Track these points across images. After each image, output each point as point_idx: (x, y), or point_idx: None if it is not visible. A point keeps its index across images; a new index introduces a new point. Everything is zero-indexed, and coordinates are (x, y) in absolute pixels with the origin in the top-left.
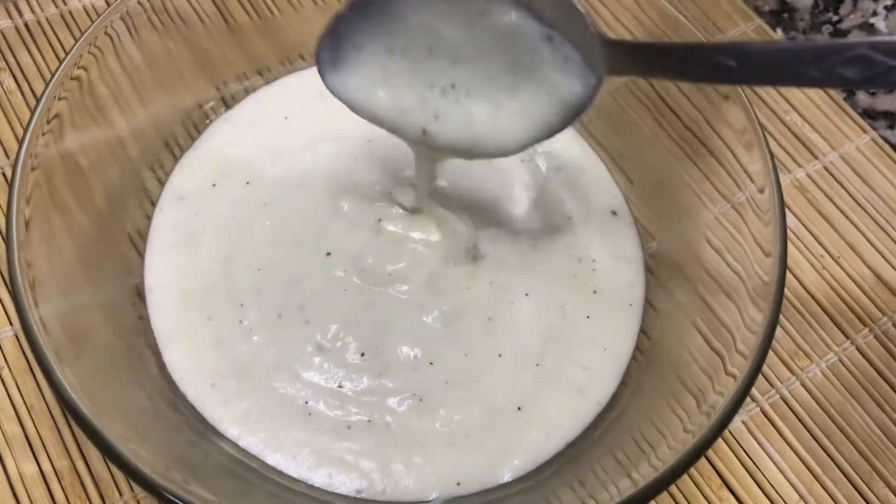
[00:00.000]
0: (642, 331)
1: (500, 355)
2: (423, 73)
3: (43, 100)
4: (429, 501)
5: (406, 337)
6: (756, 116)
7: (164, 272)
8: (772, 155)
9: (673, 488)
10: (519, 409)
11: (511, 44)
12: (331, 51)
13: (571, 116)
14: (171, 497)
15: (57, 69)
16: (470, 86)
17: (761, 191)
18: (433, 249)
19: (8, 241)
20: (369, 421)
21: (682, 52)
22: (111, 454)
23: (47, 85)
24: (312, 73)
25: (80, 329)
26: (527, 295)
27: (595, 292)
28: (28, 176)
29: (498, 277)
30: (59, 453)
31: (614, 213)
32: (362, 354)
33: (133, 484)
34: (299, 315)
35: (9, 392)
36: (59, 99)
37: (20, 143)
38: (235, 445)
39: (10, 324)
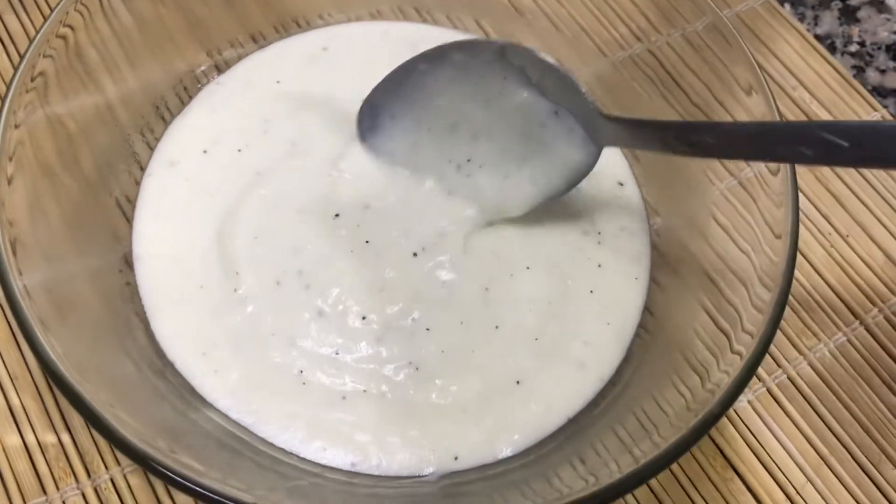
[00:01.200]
0: (646, 307)
1: (496, 327)
2: (444, 149)
3: (27, 56)
4: (425, 476)
5: (406, 298)
6: (773, 96)
7: (154, 239)
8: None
9: (677, 469)
10: (518, 382)
11: (523, 119)
12: (370, 117)
13: (574, 181)
14: (157, 466)
15: (42, 25)
16: (484, 160)
17: (774, 173)
18: (439, 213)
19: None
20: (365, 391)
21: (667, 130)
22: (95, 422)
23: (31, 41)
24: (306, 37)
25: (66, 296)
26: (528, 268)
27: (599, 266)
28: (11, 133)
29: (500, 248)
30: (44, 425)
31: (621, 185)
32: (363, 318)
33: (119, 457)
34: (299, 281)
35: None
36: (45, 56)
37: (2, 100)
38: (225, 416)
39: None
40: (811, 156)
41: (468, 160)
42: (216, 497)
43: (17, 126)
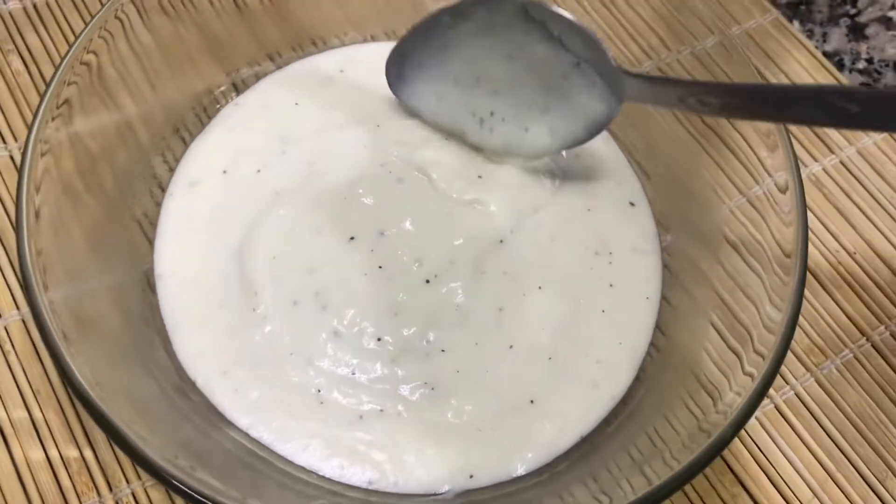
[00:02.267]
0: (657, 326)
1: (511, 347)
2: (468, 102)
3: (52, 84)
4: (441, 494)
5: (421, 320)
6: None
7: (175, 259)
8: (795, 156)
9: (686, 486)
10: (532, 402)
11: (544, 71)
12: (398, 66)
13: (595, 131)
14: (178, 484)
15: (67, 53)
16: (506, 113)
17: (783, 190)
18: (453, 234)
19: (18, 229)
20: (381, 410)
21: (688, 87)
22: (118, 438)
23: (57, 69)
24: (323, 58)
25: (89, 315)
26: (540, 288)
27: (611, 286)
28: (38, 162)
29: (512, 268)
30: (66, 440)
31: (632, 204)
32: (378, 339)
33: (140, 472)
34: (316, 301)
35: (15, 377)
36: (69, 84)
37: (30, 129)
38: (246, 435)
39: (17, 308)
40: (825, 119)
41: (491, 113)
42: None
43: (43, 154)
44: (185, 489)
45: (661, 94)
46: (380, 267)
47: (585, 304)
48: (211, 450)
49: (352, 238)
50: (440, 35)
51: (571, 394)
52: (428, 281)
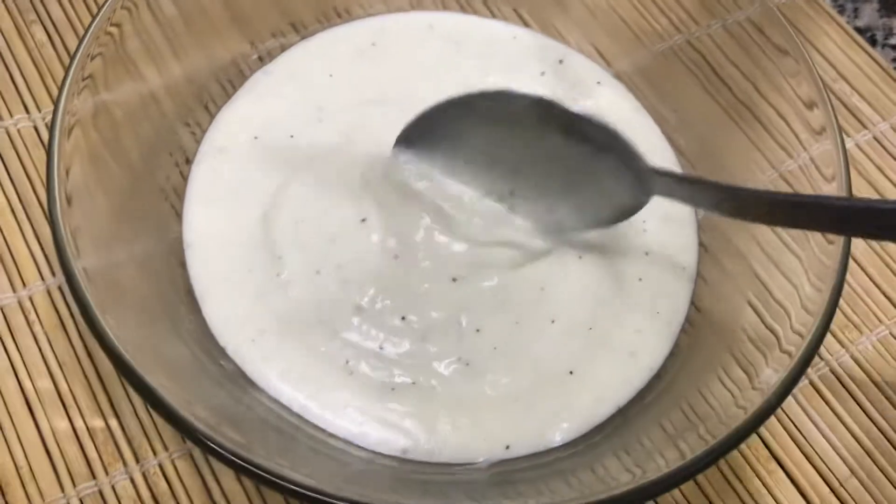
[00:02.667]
0: (692, 302)
1: (552, 321)
2: (484, 183)
3: (77, 57)
4: (476, 464)
5: (449, 307)
6: (829, 97)
7: (203, 225)
8: (844, 146)
9: (721, 462)
10: (571, 373)
11: (567, 157)
12: (405, 148)
13: (623, 217)
14: (207, 440)
15: (91, 24)
16: (527, 193)
17: (829, 180)
18: (479, 221)
19: (50, 200)
20: (413, 383)
21: (716, 192)
22: (152, 398)
23: (81, 41)
24: (352, 29)
25: (118, 284)
26: (580, 258)
27: (647, 254)
28: (66, 134)
29: (552, 243)
30: (92, 411)
31: None
32: (402, 318)
33: (167, 442)
34: (337, 273)
35: (41, 348)
36: (93, 57)
37: (56, 101)
38: (277, 402)
39: (42, 279)
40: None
41: (511, 193)
42: (279, 481)
43: (70, 128)
44: (215, 446)
45: (696, 197)
46: (395, 257)
47: (623, 273)
48: (243, 414)
49: (363, 220)
50: (447, 125)
51: (609, 364)
52: (454, 279)
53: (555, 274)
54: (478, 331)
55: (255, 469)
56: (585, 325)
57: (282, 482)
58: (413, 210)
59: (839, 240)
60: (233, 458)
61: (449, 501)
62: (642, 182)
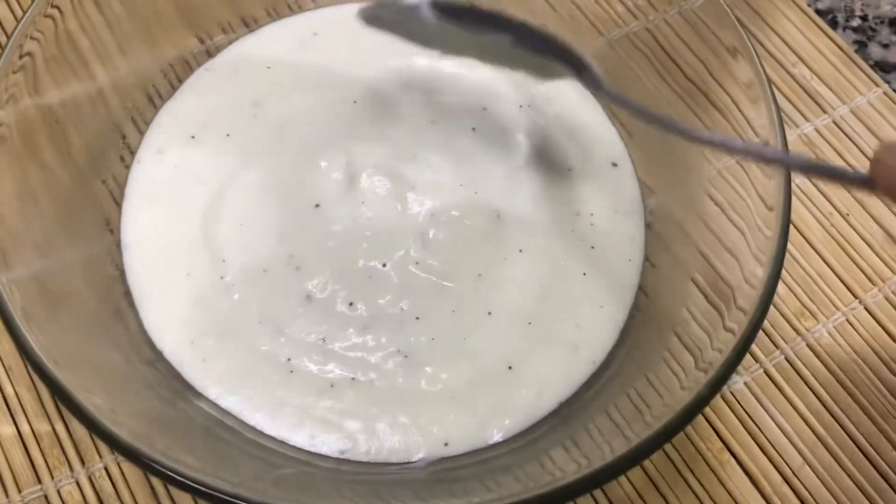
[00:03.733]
0: (640, 288)
1: (489, 313)
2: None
3: (14, 36)
4: (414, 462)
5: (395, 288)
6: (763, 70)
7: (142, 227)
8: (778, 108)
9: (672, 451)
10: (510, 368)
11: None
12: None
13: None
14: (132, 450)
15: (29, 7)
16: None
17: (766, 144)
18: (423, 201)
19: None
20: (353, 378)
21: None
22: (74, 408)
23: (18, 22)
24: (296, 21)
25: (56, 286)
26: (521, 251)
27: (593, 248)
28: None
29: (493, 232)
30: (38, 415)
31: (615, 165)
32: (350, 304)
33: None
34: (289, 265)
35: None
36: (32, 38)
37: None
38: (213, 405)
39: None
40: None
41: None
42: (195, 485)
43: (2, 108)
44: (142, 458)
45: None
46: (347, 236)
47: (566, 267)
48: (176, 419)
49: (317, 205)
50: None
51: (550, 359)
52: (402, 251)
53: (493, 265)
54: (417, 318)
55: (175, 476)
56: (524, 319)
57: (200, 487)
58: (356, 195)
59: (777, 206)
60: (155, 465)
61: (387, 502)
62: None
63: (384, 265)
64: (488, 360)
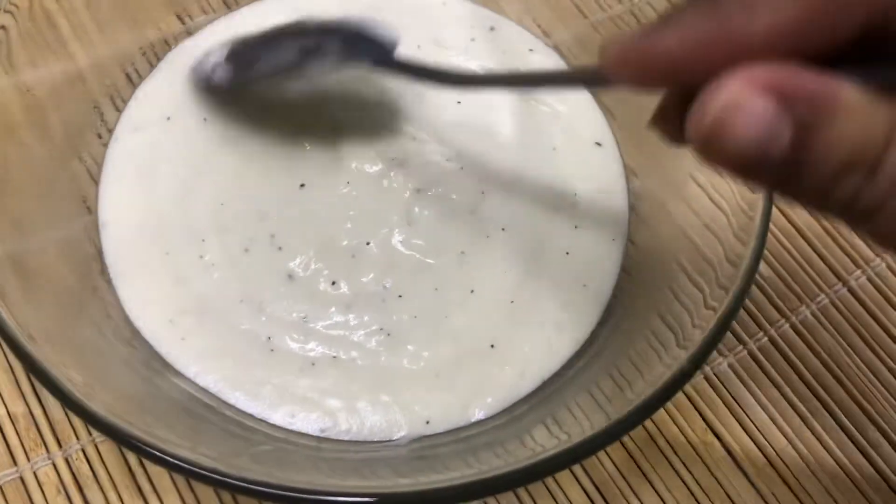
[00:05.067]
0: (623, 268)
1: (472, 291)
2: None
3: None
4: (395, 440)
5: (378, 265)
6: None
7: (120, 206)
8: None
9: (656, 432)
10: (492, 346)
11: None
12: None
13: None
14: (121, 434)
15: None
16: None
17: None
18: (408, 179)
19: None
20: (335, 357)
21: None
22: (52, 386)
23: None
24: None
25: (34, 265)
26: (503, 229)
27: (576, 227)
28: None
29: (477, 209)
30: (14, 397)
31: (599, 145)
32: (333, 283)
33: (91, 428)
34: (271, 244)
35: None
36: (5, 11)
37: None
38: (192, 383)
39: None
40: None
41: None
42: (173, 461)
43: None
44: (119, 434)
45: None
46: (332, 215)
47: (549, 246)
48: (153, 397)
49: (302, 185)
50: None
51: (533, 338)
52: (386, 229)
53: (475, 243)
54: (400, 297)
55: (152, 451)
56: (507, 298)
57: (178, 462)
58: (342, 175)
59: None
60: (132, 441)
61: (367, 479)
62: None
63: (368, 243)
64: (471, 338)
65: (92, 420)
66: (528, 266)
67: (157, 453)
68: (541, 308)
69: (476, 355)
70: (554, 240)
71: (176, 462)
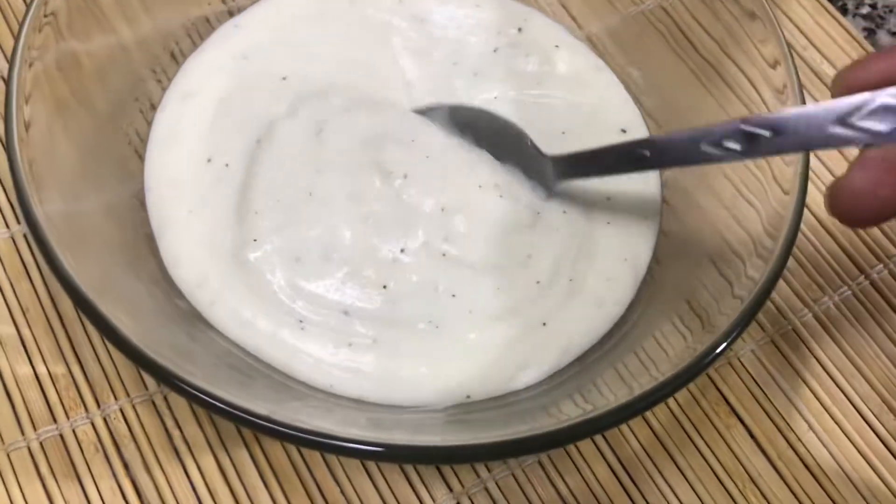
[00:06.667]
0: (654, 255)
1: (538, 283)
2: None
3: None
4: (432, 405)
5: (428, 271)
6: (791, 56)
7: (165, 171)
8: (802, 94)
9: (680, 414)
10: (544, 324)
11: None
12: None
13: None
14: (169, 375)
15: None
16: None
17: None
18: (455, 176)
19: (8, 139)
20: (374, 341)
21: (607, 154)
22: (115, 337)
23: None
24: None
25: (80, 228)
26: (564, 213)
27: (608, 199)
28: (26, 73)
29: (518, 194)
30: (55, 357)
31: (623, 131)
32: (384, 286)
33: (128, 388)
34: (307, 224)
35: (4, 295)
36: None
37: (17, 37)
38: (233, 342)
39: (7, 227)
40: (739, 150)
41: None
42: (226, 407)
43: (31, 64)
44: (177, 381)
45: (589, 168)
46: (391, 201)
47: (594, 221)
48: (200, 352)
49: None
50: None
51: (580, 314)
52: (443, 209)
53: (522, 219)
54: (453, 296)
55: (212, 401)
56: (566, 277)
57: (243, 415)
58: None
59: (794, 190)
60: (190, 389)
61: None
62: (544, 180)
63: (412, 239)
64: (525, 321)
65: (146, 364)
66: (580, 242)
67: (210, 400)
68: (589, 283)
69: (527, 335)
70: (595, 213)
71: (230, 410)
